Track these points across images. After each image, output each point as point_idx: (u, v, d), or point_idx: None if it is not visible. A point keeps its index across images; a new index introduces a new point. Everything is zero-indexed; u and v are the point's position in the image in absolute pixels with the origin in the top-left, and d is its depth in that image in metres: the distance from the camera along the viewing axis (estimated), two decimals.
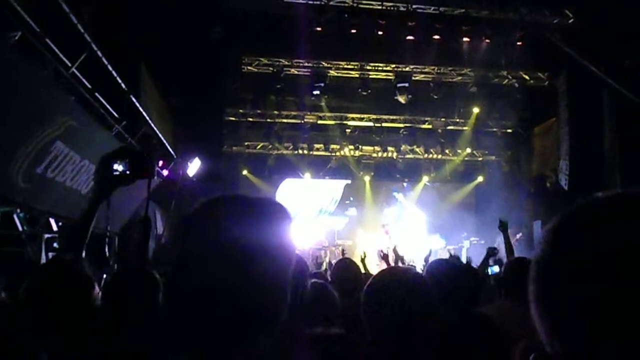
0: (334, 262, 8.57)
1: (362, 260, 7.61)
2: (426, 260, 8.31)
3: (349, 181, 17.89)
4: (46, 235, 7.17)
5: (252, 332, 1.10)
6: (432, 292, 2.07)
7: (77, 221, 2.34)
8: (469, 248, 14.91)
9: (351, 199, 17.76)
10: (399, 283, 2.03)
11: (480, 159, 18.12)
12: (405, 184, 18.12)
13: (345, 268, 4.24)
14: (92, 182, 2.42)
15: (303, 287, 3.04)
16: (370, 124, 17.15)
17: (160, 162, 10.78)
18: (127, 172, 2.22)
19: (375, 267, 11.24)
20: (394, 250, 7.87)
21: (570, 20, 13.58)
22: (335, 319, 2.84)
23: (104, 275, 4.05)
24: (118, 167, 2.22)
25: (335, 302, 2.99)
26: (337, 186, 17.92)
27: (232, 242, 1.08)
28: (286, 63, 15.37)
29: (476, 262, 7.23)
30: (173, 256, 1.15)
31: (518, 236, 14.42)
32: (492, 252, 6.32)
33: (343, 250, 9.93)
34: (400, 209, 17.50)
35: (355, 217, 17.50)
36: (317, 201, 17.52)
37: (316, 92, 15.51)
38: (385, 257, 7.69)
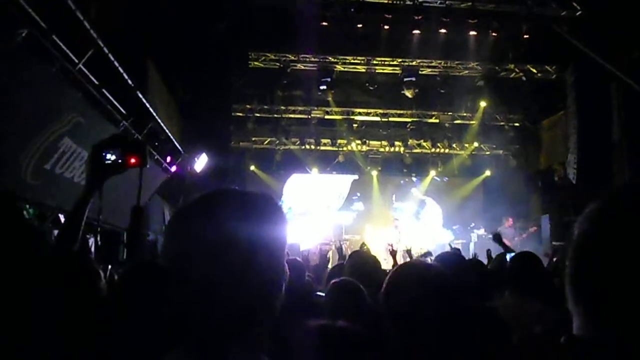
0: (336, 257, 8.52)
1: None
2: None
3: (356, 177, 17.83)
4: (56, 231, 7.20)
5: (248, 323, 1.13)
6: (449, 281, 2.12)
7: (69, 212, 2.31)
8: (477, 242, 14.87)
9: (358, 194, 17.69)
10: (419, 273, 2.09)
11: (487, 153, 18.03)
12: (414, 178, 18.05)
13: (363, 260, 4.03)
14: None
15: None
16: (377, 118, 17.13)
17: (168, 158, 10.80)
18: (120, 161, 2.20)
19: (383, 261, 11.20)
20: (408, 252, 7.86)
21: (578, 13, 13.48)
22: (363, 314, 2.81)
23: (109, 267, 4.03)
24: (110, 157, 2.20)
25: (365, 298, 2.97)
26: (343, 182, 17.88)
27: (226, 236, 1.10)
28: (293, 58, 15.39)
29: (483, 256, 7.23)
30: (166, 250, 1.16)
31: (532, 229, 14.42)
32: (498, 237, 6.27)
33: (362, 244, 9.80)
34: (414, 204, 17.40)
35: (363, 212, 17.46)
36: (324, 197, 17.49)
37: (323, 87, 15.55)
38: (393, 253, 7.65)
